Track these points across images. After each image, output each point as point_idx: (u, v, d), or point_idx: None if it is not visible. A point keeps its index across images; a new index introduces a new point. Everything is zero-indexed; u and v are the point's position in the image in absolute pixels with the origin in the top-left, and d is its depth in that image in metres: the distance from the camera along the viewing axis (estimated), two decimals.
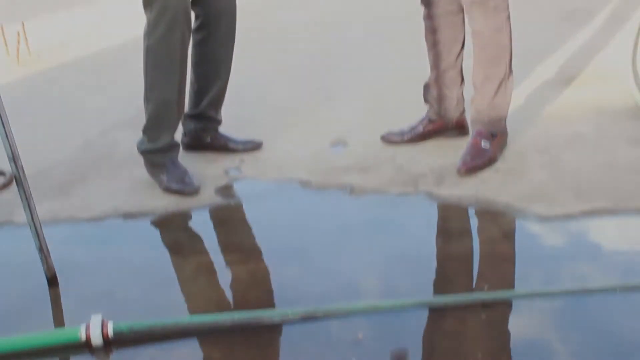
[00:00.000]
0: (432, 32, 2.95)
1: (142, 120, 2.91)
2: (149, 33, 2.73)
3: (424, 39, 3.01)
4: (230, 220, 2.71)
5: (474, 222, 2.61)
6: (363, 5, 5.56)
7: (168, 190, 2.86)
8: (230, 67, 3.06)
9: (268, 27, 5.18)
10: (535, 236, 2.45)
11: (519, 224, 2.54)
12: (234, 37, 3.00)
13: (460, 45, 2.97)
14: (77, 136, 3.49)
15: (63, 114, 3.82)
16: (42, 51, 5.08)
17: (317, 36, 4.85)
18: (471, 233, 2.54)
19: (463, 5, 2.76)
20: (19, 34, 4.91)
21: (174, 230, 2.67)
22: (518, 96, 3.39)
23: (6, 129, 2.18)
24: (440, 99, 3.03)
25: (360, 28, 4.89)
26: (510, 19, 2.79)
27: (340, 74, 4.07)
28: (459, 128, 3.12)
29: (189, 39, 2.80)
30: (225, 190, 2.89)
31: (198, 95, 3.07)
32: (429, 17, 2.94)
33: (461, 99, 3.06)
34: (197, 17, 2.92)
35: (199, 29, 2.93)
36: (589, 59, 3.99)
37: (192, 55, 2.98)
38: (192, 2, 2.83)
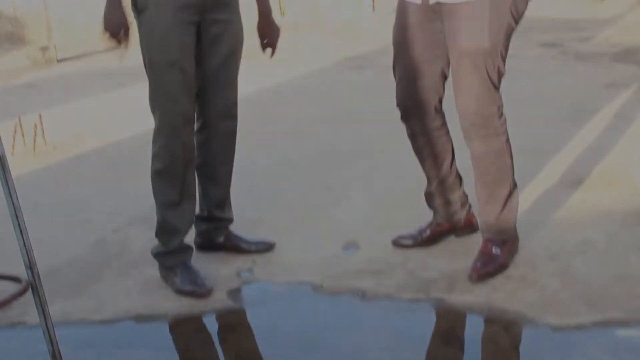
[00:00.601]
0: (420, 149, 2.99)
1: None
2: (153, 140, 2.83)
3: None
4: (241, 325, 2.73)
5: (485, 331, 2.62)
6: (375, 101, 5.66)
7: (180, 292, 2.88)
8: (231, 171, 3.11)
9: (280, 121, 5.27)
10: (546, 348, 2.45)
11: (530, 334, 2.54)
12: (234, 142, 3.07)
13: (451, 155, 3.01)
14: (91, 233, 3.53)
15: (77, 209, 3.87)
16: (59, 142, 5.17)
17: (329, 132, 4.93)
18: (482, 343, 2.54)
19: (462, 130, 2.80)
20: (35, 126, 5.01)
21: (186, 335, 2.68)
22: (527, 199, 3.43)
23: (24, 236, 2.22)
24: (445, 204, 3.07)
25: (372, 125, 4.97)
26: (510, 141, 2.83)
27: (352, 171, 4.12)
28: (468, 227, 3.14)
29: (193, 144, 2.87)
30: (237, 293, 2.90)
31: (203, 197, 3.12)
32: (413, 135, 2.97)
33: (465, 199, 3.10)
34: (197, 119, 2.98)
35: (199, 131, 3.00)
36: (597, 160, 4.04)
37: (195, 156, 3.05)
38: (196, 105, 2.92)
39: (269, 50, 3.07)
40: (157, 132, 2.81)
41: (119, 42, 2.73)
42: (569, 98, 5.37)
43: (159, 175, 2.87)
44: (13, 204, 2.13)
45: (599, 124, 4.69)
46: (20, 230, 2.18)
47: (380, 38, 8.60)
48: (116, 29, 2.69)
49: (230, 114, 3.01)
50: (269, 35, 3.05)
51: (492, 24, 2.58)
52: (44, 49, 9.83)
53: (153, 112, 2.81)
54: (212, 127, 2.99)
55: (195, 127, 2.97)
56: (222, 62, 2.89)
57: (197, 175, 3.08)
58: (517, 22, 2.68)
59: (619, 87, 5.58)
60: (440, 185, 3.03)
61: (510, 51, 2.77)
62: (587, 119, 4.79)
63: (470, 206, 3.10)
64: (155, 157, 2.85)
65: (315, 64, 7.66)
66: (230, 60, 2.92)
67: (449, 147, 3.00)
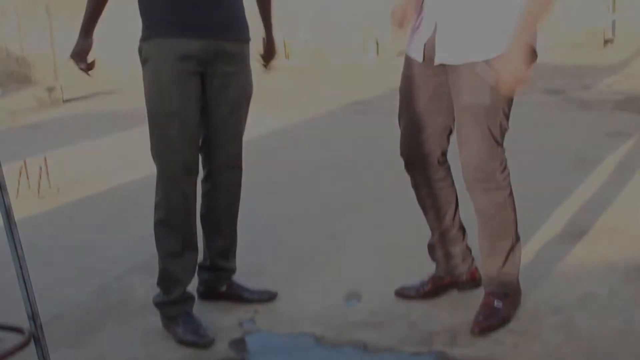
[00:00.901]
0: (423, 200, 3.01)
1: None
2: (156, 190, 2.85)
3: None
4: None
5: None
6: (378, 147, 5.68)
7: (182, 342, 2.87)
8: (235, 221, 3.12)
9: (283, 168, 5.30)
10: None
11: None
12: (239, 192, 3.09)
13: (455, 206, 3.02)
14: (94, 279, 3.53)
15: (80, 254, 3.88)
16: (63, 185, 5.20)
17: (332, 179, 4.95)
18: None
19: (465, 183, 2.82)
20: (40, 169, 5.05)
21: None
22: (529, 251, 3.43)
23: (27, 287, 2.23)
24: (447, 257, 3.07)
25: (375, 172, 5.00)
26: (513, 194, 2.84)
27: (355, 220, 4.13)
28: (471, 281, 3.14)
29: (194, 194, 2.88)
30: (239, 344, 2.89)
31: (207, 246, 3.13)
32: (416, 186, 2.99)
33: (467, 253, 3.10)
34: (203, 168, 3.01)
35: (204, 180, 3.02)
36: (599, 211, 4.04)
37: (200, 205, 3.06)
38: (201, 154, 2.95)
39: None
40: (158, 182, 2.83)
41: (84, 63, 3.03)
42: (571, 147, 5.41)
43: (160, 225, 2.89)
44: (17, 255, 2.14)
45: (601, 174, 4.71)
46: (24, 281, 2.19)
47: (384, 83, 8.69)
48: (79, 54, 3.00)
49: (235, 164, 3.03)
50: (269, 57, 3.23)
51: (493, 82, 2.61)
52: (50, 89, 9.92)
53: (154, 161, 2.83)
54: (217, 177, 3.00)
55: (202, 176, 3.00)
56: (227, 115, 2.91)
57: (202, 224, 3.09)
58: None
59: (622, 136, 5.62)
60: (442, 237, 3.03)
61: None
62: (589, 168, 4.81)
63: (473, 260, 3.10)
64: (157, 207, 2.87)
65: (319, 108, 7.72)
66: (235, 113, 2.94)
67: (452, 199, 3.01)
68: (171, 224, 2.87)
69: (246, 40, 2.94)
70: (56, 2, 12.91)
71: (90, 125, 7.85)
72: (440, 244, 3.05)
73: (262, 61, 3.19)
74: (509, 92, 2.58)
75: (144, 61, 2.80)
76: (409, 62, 2.85)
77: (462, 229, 3.06)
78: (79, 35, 3.01)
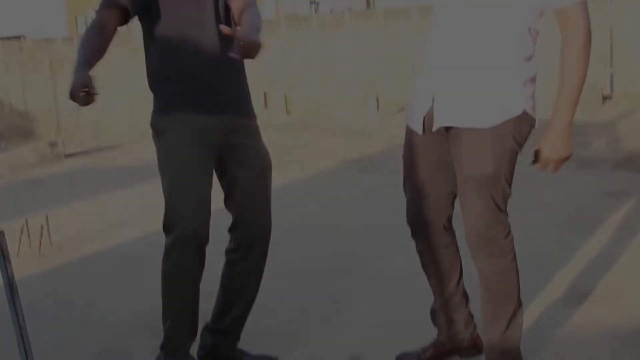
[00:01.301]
0: (427, 266, 3.01)
1: (160, 323, 2.96)
2: (164, 259, 2.84)
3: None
4: None
5: None
6: (379, 206, 5.70)
7: None
8: (257, 288, 3.12)
9: (284, 227, 5.28)
10: None
11: None
12: (265, 263, 3.09)
13: (459, 272, 3.02)
14: (94, 341, 3.51)
15: (81, 315, 3.87)
16: (64, 242, 5.21)
17: (334, 238, 4.96)
18: None
19: (468, 248, 2.83)
20: (42, 227, 5.06)
21: None
22: (530, 315, 3.42)
23: (29, 356, 2.22)
24: (449, 324, 3.06)
25: (377, 232, 5.00)
26: (517, 259, 2.84)
27: (357, 281, 4.12)
28: (473, 348, 3.12)
29: (203, 264, 2.87)
30: None
31: (223, 310, 3.11)
32: (421, 252, 2.99)
33: (470, 319, 3.08)
34: (232, 240, 3.03)
35: (232, 251, 3.03)
36: (601, 274, 4.04)
37: (223, 271, 3.08)
38: (230, 226, 2.99)
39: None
40: (169, 250, 2.82)
41: (85, 97, 2.52)
42: (571, 207, 5.42)
43: (170, 293, 2.88)
44: (19, 325, 2.14)
45: (602, 235, 4.71)
46: (25, 351, 2.19)
47: (385, 139, 8.77)
48: (77, 86, 2.51)
49: (266, 237, 3.05)
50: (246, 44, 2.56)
51: (494, 150, 2.62)
52: (53, 144, 10.00)
53: (166, 231, 2.82)
54: (246, 249, 3.01)
55: (229, 246, 3.03)
56: (255, 186, 2.97)
57: (222, 290, 3.10)
58: (521, 146, 2.72)
59: (622, 195, 5.64)
60: (445, 303, 3.03)
61: None
62: (590, 229, 4.82)
63: (475, 326, 3.09)
64: (167, 275, 2.86)
65: (320, 165, 7.76)
66: (262, 183, 3.00)
67: (457, 265, 3.01)
68: (181, 292, 2.87)
69: (255, 115, 3.02)
70: (60, 58, 13.06)
71: (92, 181, 7.89)
72: (443, 311, 3.05)
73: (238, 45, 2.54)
74: (552, 171, 2.62)
75: (160, 133, 2.84)
76: (410, 131, 2.87)
77: (465, 295, 3.06)
78: (76, 70, 2.63)
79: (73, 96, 2.53)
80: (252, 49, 2.56)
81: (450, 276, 2.99)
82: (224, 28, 2.55)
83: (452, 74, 2.66)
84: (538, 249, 4.32)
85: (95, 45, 2.76)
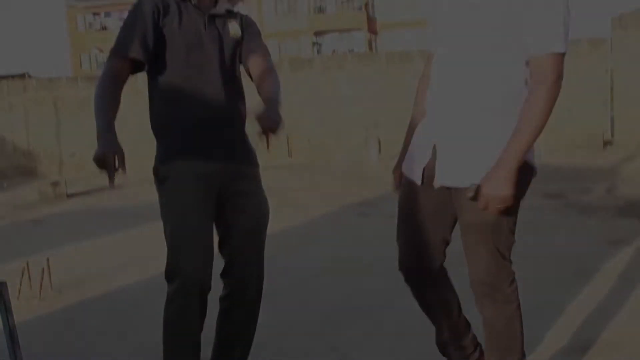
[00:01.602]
0: (425, 307, 3.02)
1: None
2: (166, 307, 2.83)
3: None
4: None
5: None
6: (379, 251, 5.69)
7: None
8: (253, 336, 3.11)
9: (282, 274, 5.28)
10: None
11: None
12: (259, 310, 3.08)
13: (458, 305, 3.01)
14: None
15: None
16: (64, 285, 5.20)
17: (333, 285, 4.94)
18: None
19: (474, 295, 2.82)
20: (43, 270, 5.05)
21: None
22: None
23: None
24: (459, 349, 3.04)
25: (376, 277, 4.98)
26: (521, 307, 2.84)
27: (357, 329, 4.09)
28: None
29: (204, 316, 2.87)
30: None
31: (219, 359, 3.10)
32: (418, 296, 3.00)
33: (475, 341, 3.06)
34: (225, 286, 3.02)
35: (225, 298, 3.02)
36: (602, 324, 4.01)
37: (217, 319, 3.07)
38: (222, 271, 2.98)
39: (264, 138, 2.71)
40: (171, 299, 2.81)
41: (112, 169, 2.49)
42: (573, 255, 5.41)
43: (171, 342, 2.87)
44: None
45: (603, 284, 4.69)
46: None
47: (386, 182, 8.72)
48: (108, 156, 2.48)
49: (258, 285, 3.04)
50: (269, 121, 2.69)
51: None
52: (55, 184, 10.03)
53: (168, 279, 2.81)
54: (238, 296, 3.01)
55: (221, 293, 3.02)
56: (250, 233, 2.96)
57: (217, 340, 3.09)
58: (522, 194, 2.72)
59: (623, 244, 5.63)
60: (451, 331, 3.01)
61: None
62: (591, 278, 4.80)
63: (480, 345, 3.07)
64: (168, 324, 2.85)
65: (320, 208, 7.77)
66: (257, 231, 2.99)
67: (454, 299, 3.01)
68: (183, 341, 2.85)
69: (257, 164, 3.03)
70: (63, 98, 13.17)
71: (93, 221, 7.90)
72: (451, 339, 3.03)
73: (260, 131, 2.68)
74: (492, 212, 2.60)
75: (162, 180, 2.85)
76: (408, 182, 2.88)
77: (467, 322, 3.05)
78: (102, 133, 2.58)
79: (101, 163, 2.48)
80: (274, 129, 2.68)
81: (451, 309, 3.00)
82: (250, 114, 2.68)
83: (452, 124, 2.66)
84: (538, 299, 4.30)
85: (112, 96, 2.77)
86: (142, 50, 2.80)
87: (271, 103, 2.77)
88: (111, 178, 2.48)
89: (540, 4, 2.51)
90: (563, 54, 2.52)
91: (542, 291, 4.53)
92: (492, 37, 2.57)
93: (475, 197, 2.56)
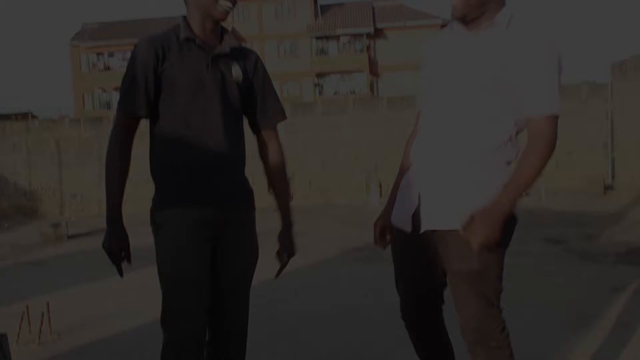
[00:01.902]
0: (423, 351, 3.04)
1: None
2: (163, 356, 2.81)
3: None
4: None
5: None
6: (378, 298, 5.68)
7: None
8: None
9: (280, 319, 5.27)
10: None
11: None
12: (244, 356, 3.05)
13: (452, 351, 3.03)
14: None
15: None
16: (64, 329, 5.18)
17: (332, 332, 4.92)
18: None
19: (466, 344, 2.83)
20: (43, 315, 5.04)
21: None
22: None
23: None
24: None
25: (375, 325, 4.96)
26: (513, 356, 2.84)
27: None
28: None
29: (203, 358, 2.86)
30: None
31: None
32: (416, 340, 3.02)
33: None
34: (209, 331, 2.98)
35: (210, 343, 2.99)
36: None
37: None
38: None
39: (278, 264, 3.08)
40: (166, 349, 2.80)
41: (119, 260, 2.84)
42: (573, 302, 5.39)
43: None
44: None
45: (604, 333, 4.67)
46: None
47: None
48: (116, 251, 2.81)
49: (242, 330, 3.03)
50: (283, 247, 3.07)
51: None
52: (56, 225, 10.04)
53: (164, 328, 2.81)
54: (222, 344, 2.99)
55: (207, 338, 2.98)
56: (237, 280, 2.96)
57: None
58: (507, 241, 2.75)
59: (624, 291, 5.62)
60: None
61: (513, 246, 2.81)
62: (590, 326, 4.78)
63: None
64: None
65: (321, 253, 7.76)
66: (244, 278, 2.98)
67: (449, 344, 3.04)
68: None
69: (253, 207, 3.02)
70: (65, 139, 13.24)
71: (94, 264, 7.83)
72: None
73: (278, 259, 3.08)
74: (476, 248, 2.63)
75: (158, 227, 2.84)
76: (398, 233, 2.91)
77: None
78: (110, 223, 2.83)
79: (110, 254, 2.82)
80: (288, 261, 3.10)
81: (445, 353, 3.02)
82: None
83: (436, 173, 2.73)
84: (538, 348, 4.29)
85: (121, 164, 2.85)
86: (145, 107, 2.82)
87: (286, 228, 3.07)
88: (119, 270, 2.86)
89: (534, 67, 2.60)
90: (557, 116, 2.62)
91: (540, 339, 4.52)
92: (479, 95, 2.67)
93: (466, 227, 2.60)
